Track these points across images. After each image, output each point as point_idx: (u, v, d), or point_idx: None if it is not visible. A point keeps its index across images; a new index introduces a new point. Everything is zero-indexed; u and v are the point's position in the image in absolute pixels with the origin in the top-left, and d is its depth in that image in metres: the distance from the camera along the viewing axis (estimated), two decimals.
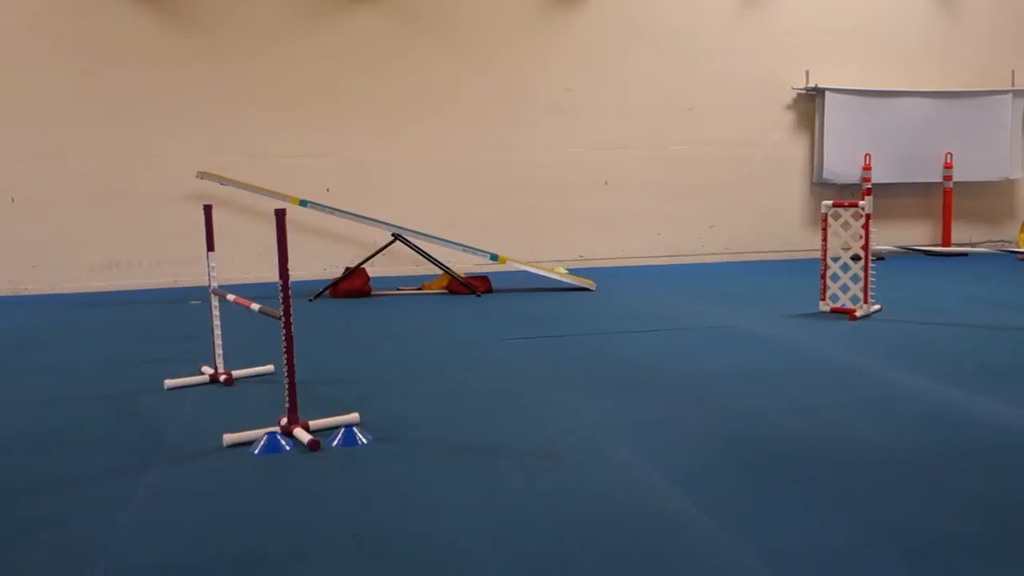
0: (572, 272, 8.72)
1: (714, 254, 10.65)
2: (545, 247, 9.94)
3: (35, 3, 8.82)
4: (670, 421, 4.02)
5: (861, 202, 6.59)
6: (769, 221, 10.78)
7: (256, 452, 3.64)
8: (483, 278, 8.50)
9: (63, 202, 9.03)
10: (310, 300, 7.96)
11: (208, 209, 4.93)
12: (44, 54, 8.86)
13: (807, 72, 10.59)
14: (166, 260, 9.23)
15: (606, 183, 10.24)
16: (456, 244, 8.44)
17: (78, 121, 8.98)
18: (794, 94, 10.70)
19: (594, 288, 8.31)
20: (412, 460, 3.55)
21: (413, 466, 3.47)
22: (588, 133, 10.14)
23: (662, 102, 10.31)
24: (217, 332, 4.92)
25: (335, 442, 3.71)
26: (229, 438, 3.74)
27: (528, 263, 8.63)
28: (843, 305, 6.68)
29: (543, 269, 8.53)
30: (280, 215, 3.76)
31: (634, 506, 3.03)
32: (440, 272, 8.53)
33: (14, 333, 6.89)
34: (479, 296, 8.14)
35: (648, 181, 10.37)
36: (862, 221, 6.58)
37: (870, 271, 6.58)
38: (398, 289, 8.55)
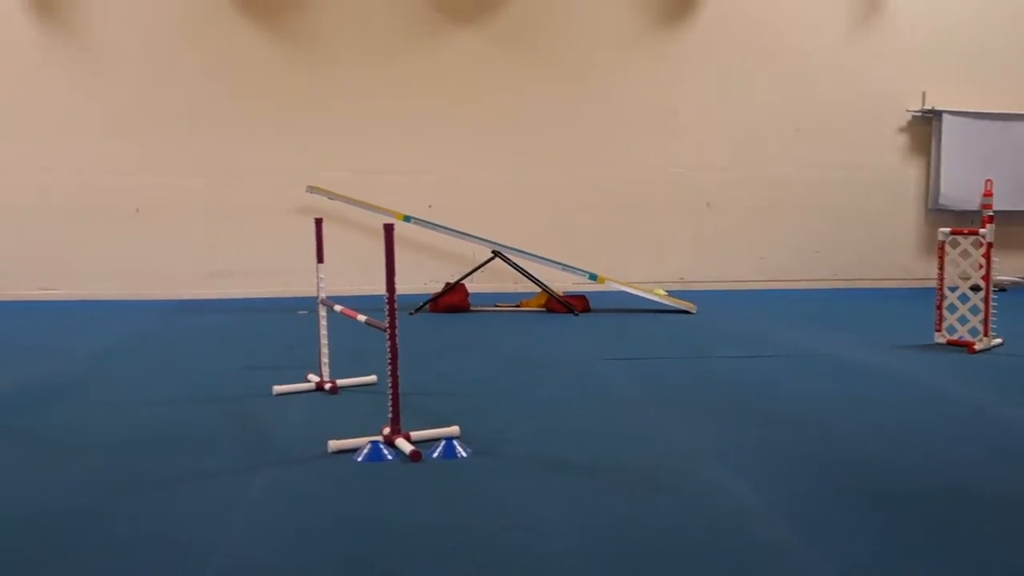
0: (672, 294, 8.64)
1: (820, 280, 10.39)
2: (644, 268, 9.88)
3: (154, 23, 9.31)
4: (771, 448, 3.93)
5: (982, 230, 6.32)
6: (879, 248, 10.46)
7: (359, 459, 3.73)
8: (581, 297, 8.50)
9: (181, 213, 9.47)
10: (410, 313, 8.11)
11: (319, 222, 5.09)
12: (165, 73, 9.34)
13: (924, 93, 10.26)
14: (277, 270, 9.56)
15: (708, 205, 10.13)
16: (555, 263, 8.48)
17: (196, 136, 9.42)
18: (909, 116, 10.38)
19: (694, 311, 8.21)
20: (511, 475, 3.57)
21: (512, 481, 3.50)
22: (691, 154, 10.07)
23: (768, 123, 10.15)
24: (324, 341, 5.06)
25: (435, 454, 3.77)
26: (334, 445, 3.84)
27: (627, 283, 8.59)
28: (960, 337, 6.41)
29: (642, 290, 8.48)
30: (388, 230, 3.85)
31: (733, 531, 2.98)
32: (538, 290, 8.57)
33: (134, 336, 7.24)
34: (577, 315, 8.15)
35: (752, 203, 10.20)
36: (983, 250, 6.31)
37: (991, 302, 6.30)
38: (496, 306, 8.63)
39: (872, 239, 10.41)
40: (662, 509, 3.18)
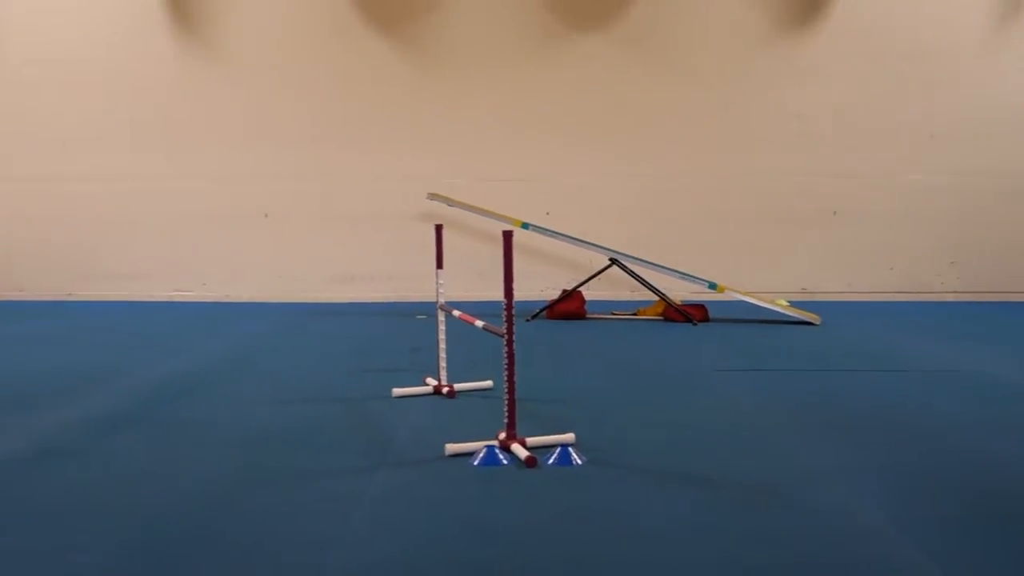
0: (794, 305, 8.38)
1: (955, 292, 9.89)
2: (766, 278, 9.63)
3: (284, 36, 9.69)
4: (903, 468, 3.75)
5: None
6: (1022, 259, 9.87)
7: (476, 463, 3.76)
8: (700, 307, 8.35)
9: (306, 219, 9.82)
10: (527, 320, 8.14)
11: (439, 229, 5.18)
12: (295, 84, 9.70)
13: None
14: (396, 275, 9.78)
15: (835, 213, 9.79)
16: (673, 271, 8.36)
17: (322, 144, 9.75)
18: None
19: (818, 322, 7.95)
20: (627, 484, 3.54)
21: (628, 491, 3.46)
22: (817, 160, 9.75)
23: (900, 128, 9.74)
24: (442, 346, 5.14)
25: (551, 460, 3.77)
26: (451, 448, 3.90)
27: (748, 293, 8.39)
28: None
29: (764, 300, 8.26)
30: (507, 236, 3.88)
31: (864, 555, 2.85)
32: (656, 298, 8.47)
33: (260, 337, 7.53)
34: (695, 325, 8.01)
35: (881, 212, 9.81)
36: None
37: None
38: (612, 314, 8.58)
39: (1013, 250, 9.84)
40: (785, 527, 3.08)
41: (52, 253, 10.04)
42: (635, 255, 8.45)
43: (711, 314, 8.31)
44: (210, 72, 9.76)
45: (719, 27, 9.65)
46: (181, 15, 9.73)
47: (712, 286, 8.28)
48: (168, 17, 9.72)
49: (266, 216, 9.85)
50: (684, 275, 8.34)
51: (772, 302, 8.27)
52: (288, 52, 9.73)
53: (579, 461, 3.78)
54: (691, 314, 8.15)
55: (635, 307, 8.78)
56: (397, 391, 5.08)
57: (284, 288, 9.87)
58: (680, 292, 8.97)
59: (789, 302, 8.49)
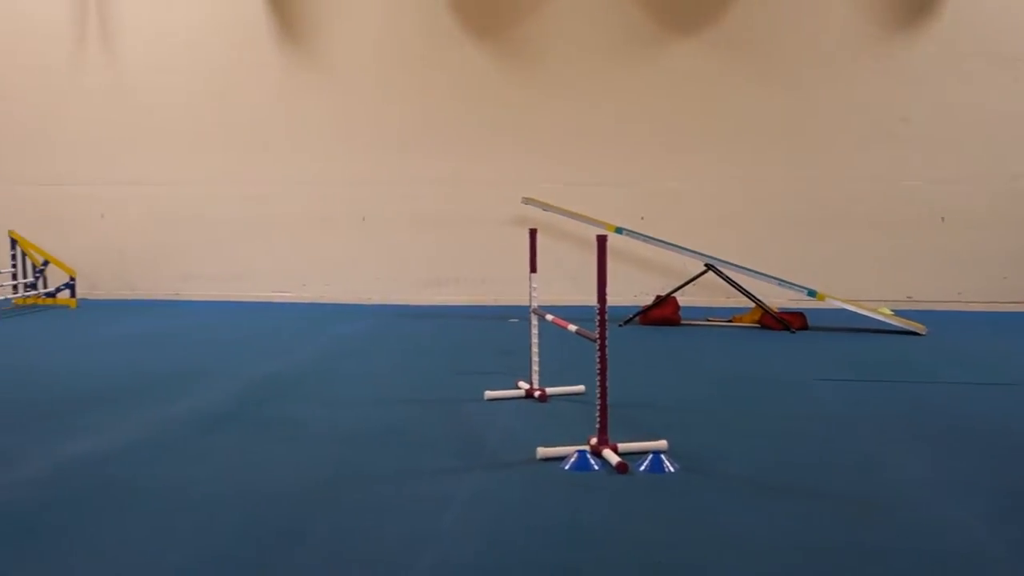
0: (899, 314, 8.09)
1: None
2: (868, 285, 9.31)
3: (385, 45, 9.88)
4: (1010, 486, 3.59)
5: None
6: None
7: (566, 468, 3.76)
8: (798, 314, 8.14)
9: (403, 222, 9.98)
10: (620, 325, 8.09)
11: (533, 233, 5.20)
12: (393, 91, 9.88)
13: None
14: (490, 279, 9.86)
15: (943, 219, 9.40)
16: (771, 277, 8.18)
17: (418, 149, 9.89)
18: None
19: (924, 332, 7.65)
20: (720, 493, 3.48)
21: (721, 500, 3.41)
22: (924, 165, 9.39)
23: (1012, 131, 9.29)
24: (534, 350, 5.16)
25: (643, 467, 3.74)
26: (542, 452, 3.91)
27: (849, 301, 8.13)
28: None
29: (866, 308, 8.00)
30: (601, 241, 3.87)
31: (969, 572, 2.74)
32: (752, 305, 8.30)
33: (355, 338, 7.70)
34: (793, 333, 7.81)
35: (993, 217, 9.37)
36: None
37: None
38: (707, 320, 8.45)
39: None
40: (884, 543, 2.98)
41: (161, 254, 10.48)
42: (731, 261, 8.30)
43: (810, 322, 8.09)
44: (311, 79, 10.04)
45: (821, 28, 9.39)
46: (285, 25, 10.04)
47: (811, 293, 8.06)
48: (273, 27, 10.04)
49: (363, 219, 10.06)
50: (782, 282, 8.15)
51: (875, 310, 8.00)
52: (387, 59, 9.93)
53: (671, 468, 3.74)
54: (789, 321, 7.95)
55: (730, 314, 8.63)
56: (489, 394, 5.12)
57: (380, 290, 10.06)
58: (777, 299, 8.76)
59: (893, 311, 8.20)
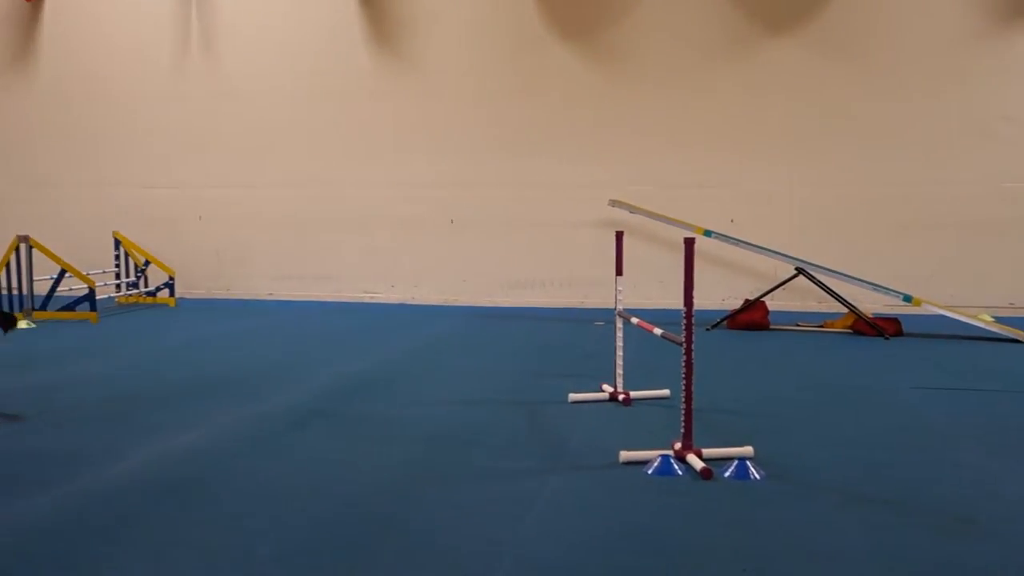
0: (1000, 321, 7.76)
1: None
2: (969, 291, 8.95)
3: (475, 48, 9.96)
4: None
5: None
6: None
7: (649, 472, 3.73)
8: (893, 320, 7.89)
9: (490, 224, 10.06)
10: (707, 329, 7.98)
11: (619, 235, 5.18)
12: (483, 94, 9.96)
13: None
14: (575, 281, 9.84)
15: None
16: (865, 282, 7.94)
17: (507, 152, 9.95)
18: None
19: None
20: (807, 502, 3.40)
21: (807, 509, 3.33)
22: None
23: None
24: (619, 353, 5.13)
25: (728, 473, 3.69)
26: (625, 455, 3.89)
27: (947, 307, 7.84)
28: None
29: (965, 315, 7.69)
30: (689, 244, 3.83)
31: None
32: (845, 311, 8.08)
33: (442, 338, 7.79)
34: (887, 339, 7.57)
35: None
36: None
37: None
38: (798, 325, 8.26)
39: None
40: (981, 560, 2.87)
41: (255, 255, 10.81)
42: (823, 265, 8.10)
43: (905, 328, 7.83)
44: (401, 82, 10.20)
45: (919, 27, 9.07)
46: (378, 30, 10.23)
47: (907, 299, 7.80)
48: (367, 32, 10.24)
49: (452, 222, 10.18)
50: (876, 287, 7.90)
51: (975, 317, 7.69)
52: (476, 63, 10.02)
53: (757, 476, 3.67)
54: (883, 328, 7.71)
55: (822, 319, 8.41)
56: (573, 396, 5.12)
57: (467, 291, 10.15)
58: (871, 304, 8.50)
59: (994, 318, 7.87)
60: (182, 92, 10.70)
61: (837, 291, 8.10)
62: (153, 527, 3.18)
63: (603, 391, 5.20)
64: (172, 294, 10.24)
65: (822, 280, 8.11)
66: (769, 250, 8.26)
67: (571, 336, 7.84)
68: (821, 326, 8.18)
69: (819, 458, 3.99)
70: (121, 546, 3.00)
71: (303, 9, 10.40)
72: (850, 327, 7.95)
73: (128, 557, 2.92)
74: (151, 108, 10.79)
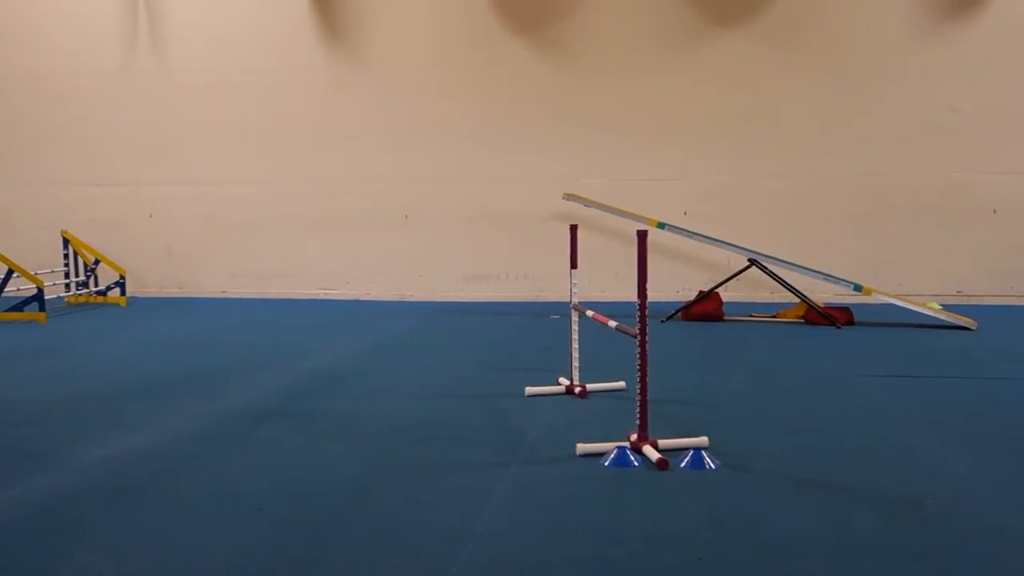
0: (949, 308, 7.93)
1: None
2: (916, 280, 9.15)
3: (427, 43, 9.92)
4: None
5: None
6: None
7: (606, 464, 3.76)
8: (844, 309, 8.03)
9: (444, 219, 10.03)
10: (662, 321, 8.05)
11: (574, 229, 5.19)
12: (435, 88, 9.91)
13: None
14: (531, 275, 9.86)
15: (995, 211, 9.18)
16: (816, 272, 8.07)
17: (459, 146, 9.93)
18: None
19: (975, 327, 7.49)
20: (761, 490, 3.45)
21: (762, 497, 3.38)
22: (975, 156, 9.18)
23: None
24: (575, 346, 5.16)
25: (683, 463, 3.72)
26: (582, 448, 3.91)
27: (896, 296, 8.00)
28: None
29: (914, 304, 7.85)
30: (642, 236, 3.85)
31: (1017, 572, 2.68)
32: (797, 301, 8.20)
33: (398, 334, 7.75)
34: (839, 328, 7.70)
35: None
36: None
37: None
38: (751, 316, 8.36)
39: None
40: (930, 540, 2.94)
41: (208, 253, 10.65)
42: (775, 256, 8.21)
43: (856, 318, 7.97)
44: (354, 78, 10.11)
45: (866, 19, 9.22)
46: (330, 24, 10.13)
47: (857, 288, 7.94)
48: (318, 26, 10.13)
49: (406, 217, 10.13)
50: (827, 276, 8.04)
51: (924, 305, 7.86)
52: (428, 57, 9.97)
53: (712, 465, 3.71)
54: (835, 317, 7.84)
55: (775, 309, 8.53)
56: (530, 390, 5.13)
57: (423, 287, 10.11)
58: (823, 294, 8.65)
59: (943, 306, 8.05)
60: (130, 90, 10.50)
61: (789, 281, 8.22)
62: (107, 528, 3.12)
63: (559, 384, 5.21)
64: (123, 293, 10.05)
65: (774, 271, 8.22)
66: (722, 241, 8.35)
67: (527, 330, 7.86)
68: (774, 316, 8.29)
69: (773, 446, 4.05)
70: (76, 547, 2.94)
71: (253, 3, 10.26)
72: (802, 317, 8.08)
73: (83, 558, 2.86)
74: (99, 106, 10.57)
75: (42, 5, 10.61)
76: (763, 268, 8.20)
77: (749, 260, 8.20)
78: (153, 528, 3.14)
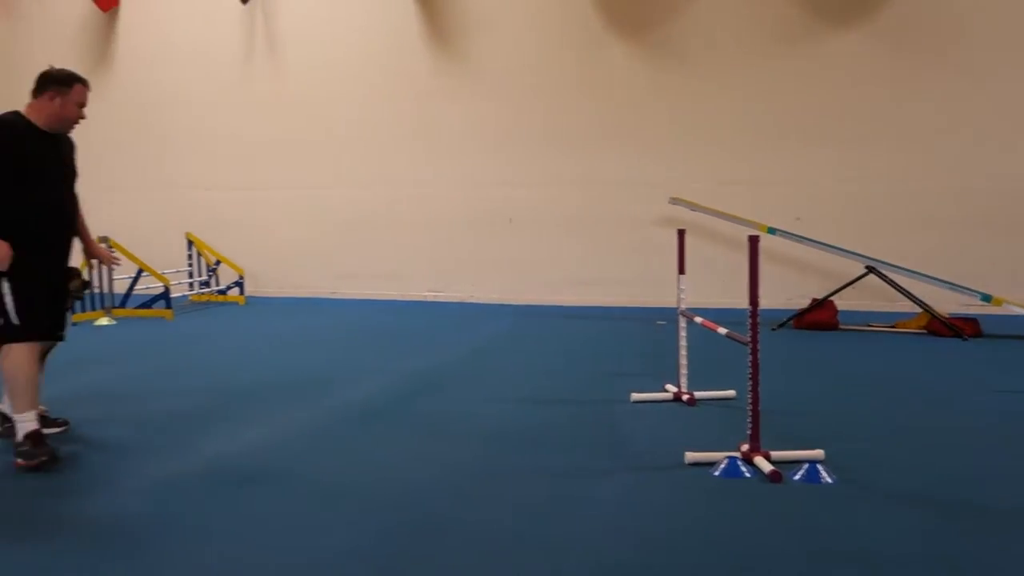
0: None
1: None
2: None
3: (532, 47, 9.93)
4: None
5: None
6: None
7: (716, 474, 3.66)
8: (971, 320, 7.62)
9: (549, 223, 10.02)
10: (773, 329, 7.82)
11: (681, 233, 5.10)
12: (541, 92, 9.92)
13: None
14: (635, 280, 9.74)
15: None
16: (940, 281, 7.69)
17: (565, 150, 9.90)
18: None
19: None
20: (880, 508, 3.29)
21: (880, 515, 3.22)
22: None
23: None
24: (683, 352, 5.05)
25: (797, 476, 3.59)
26: (690, 456, 3.82)
27: None
28: None
29: None
30: (753, 242, 3.74)
31: None
32: (919, 310, 7.84)
33: (503, 337, 7.77)
34: (965, 340, 7.31)
35: None
36: None
37: None
38: (868, 325, 8.04)
39: None
40: None
41: (320, 254, 10.95)
42: (895, 263, 7.87)
43: (984, 329, 7.56)
44: (461, 83, 10.22)
45: (994, 13, 8.74)
46: (436, 30, 10.28)
47: (986, 298, 7.53)
48: (425, 32, 10.29)
49: (511, 220, 10.17)
50: (952, 286, 7.65)
51: None
52: (534, 62, 9.99)
53: (828, 479, 3.57)
54: (960, 328, 7.45)
55: (894, 319, 8.17)
56: (636, 396, 5.06)
57: (527, 290, 10.13)
58: (947, 304, 8.23)
59: None
60: (249, 98, 10.92)
61: (910, 290, 7.86)
62: (223, 517, 3.22)
63: (666, 391, 5.12)
64: (242, 292, 10.44)
65: (894, 279, 7.88)
66: (837, 247, 8.06)
67: (632, 335, 7.76)
68: (893, 326, 7.95)
69: (895, 462, 3.87)
70: (185, 542, 3.05)
71: (362, 12, 10.51)
72: (924, 327, 7.71)
73: (191, 555, 2.96)
74: (219, 112, 11.02)
75: (170, 23, 11.16)
76: (882, 276, 7.87)
77: (866, 267, 7.89)
78: (267, 520, 3.22)
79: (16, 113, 4.11)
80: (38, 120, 4.10)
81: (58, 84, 4.10)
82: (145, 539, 3.07)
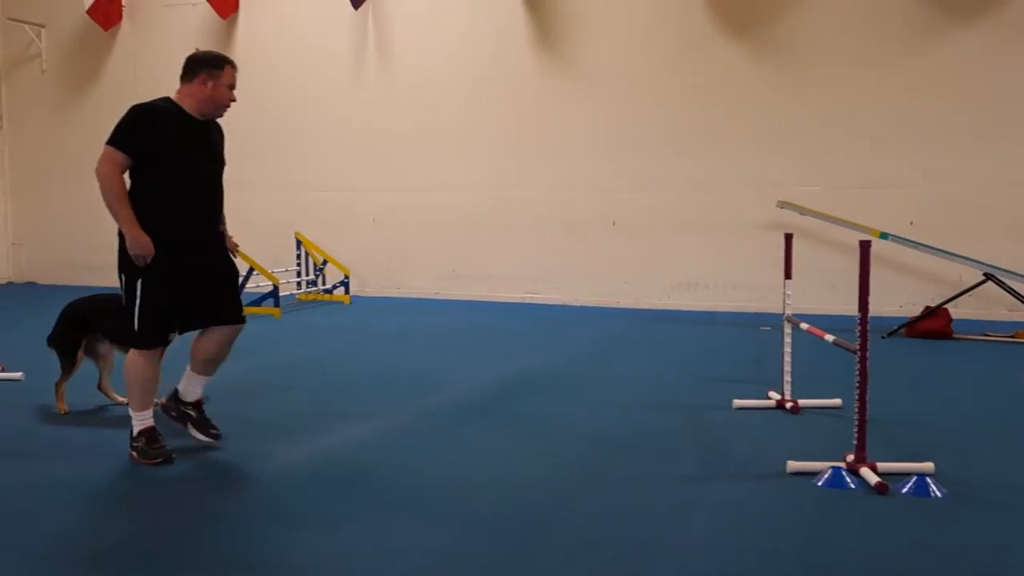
0: None
1: None
2: None
3: (641, 49, 9.87)
4: None
5: None
6: None
7: (819, 484, 3.59)
8: None
9: (652, 226, 9.94)
10: (883, 337, 7.57)
11: (789, 238, 5.01)
12: (649, 95, 9.85)
13: None
14: (741, 285, 9.58)
15: None
16: None
17: (672, 153, 9.80)
18: None
19: None
20: (993, 525, 3.17)
21: (994, 532, 3.10)
22: None
23: None
24: (787, 359, 4.96)
25: (905, 489, 3.49)
26: (793, 466, 3.75)
27: None
28: None
29: None
30: (865, 247, 3.65)
31: None
32: None
33: (605, 340, 7.77)
34: None
35: None
36: None
37: None
38: (986, 335, 7.70)
39: None
40: None
41: (424, 255, 11.16)
42: (1015, 270, 7.50)
43: None
44: (565, 84, 10.25)
45: None
46: (543, 33, 10.34)
47: None
48: (532, 35, 10.37)
49: (614, 223, 10.14)
50: None
51: None
52: (641, 63, 9.93)
53: (938, 494, 3.45)
54: None
55: (1013, 329, 7.80)
56: (738, 402, 4.99)
57: (630, 293, 10.08)
58: None
59: None
60: (357, 101, 11.20)
61: None
62: (321, 518, 3.34)
63: (769, 398, 5.04)
64: (347, 292, 10.74)
65: (1014, 287, 7.52)
66: (953, 254, 7.75)
67: (735, 341, 7.65)
68: (1012, 336, 7.59)
69: (1011, 479, 3.71)
70: (291, 538, 3.18)
71: (471, 14, 10.65)
72: None
73: (299, 549, 3.09)
74: (330, 113, 11.35)
75: (285, 17, 11.53)
76: (1001, 284, 7.53)
77: (984, 275, 7.56)
78: (368, 514, 3.33)
79: (167, 99, 4.01)
80: (190, 106, 4.01)
81: (209, 67, 3.99)
82: (249, 535, 3.20)
